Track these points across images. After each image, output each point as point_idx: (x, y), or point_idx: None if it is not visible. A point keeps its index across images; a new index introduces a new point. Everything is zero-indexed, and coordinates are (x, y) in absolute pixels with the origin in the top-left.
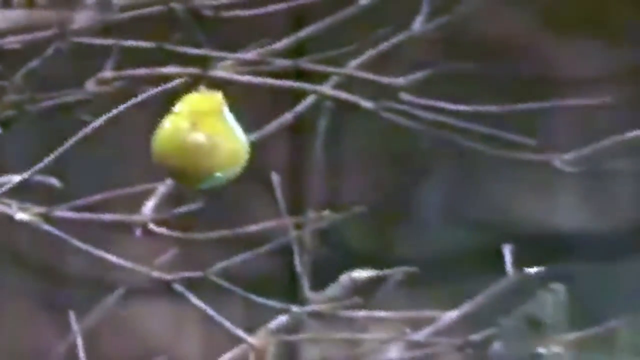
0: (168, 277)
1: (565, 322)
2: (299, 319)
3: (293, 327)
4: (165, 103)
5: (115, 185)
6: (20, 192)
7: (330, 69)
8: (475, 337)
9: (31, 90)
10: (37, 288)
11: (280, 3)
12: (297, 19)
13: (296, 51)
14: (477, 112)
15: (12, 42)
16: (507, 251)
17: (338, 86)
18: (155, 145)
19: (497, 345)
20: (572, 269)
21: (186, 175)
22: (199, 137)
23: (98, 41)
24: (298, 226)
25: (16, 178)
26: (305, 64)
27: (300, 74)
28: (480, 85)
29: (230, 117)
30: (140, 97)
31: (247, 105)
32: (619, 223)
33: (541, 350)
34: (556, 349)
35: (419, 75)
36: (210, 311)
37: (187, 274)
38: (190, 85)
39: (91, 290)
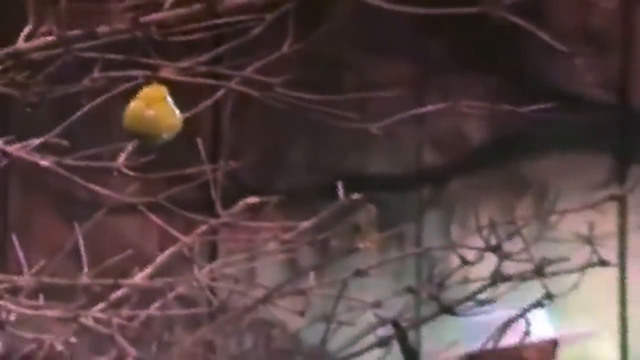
0: (134, 200)
1: (374, 227)
2: (215, 227)
3: (211, 232)
4: (131, 92)
5: (101, 144)
6: (40, 148)
7: (235, 73)
8: (320, 236)
9: (48, 85)
10: (55, 207)
11: (205, 31)
12: (216, 40)
13: (215, 60)
14: (325, 99)
15: (37, 55)
16: (340, 185)
17: (240, 83)
18: (124, 118)
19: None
20: (379, 195)
21: (143, 137)
22: (151, 113)
23: (91, 55)
24: (214, 170)
25: (38, 140)
26: (220, 69)
27: (216, 75)
28: (329, 84)
29: (170, 101)
30: (116, 90)
31: (181, 94)
32: (406, 168)
33: (360, 244)
34: (368, 244)
35: (287, 77)
36: (161, 222)
37: (146, 199)
38: (147, 82)
39: (87, 208)
